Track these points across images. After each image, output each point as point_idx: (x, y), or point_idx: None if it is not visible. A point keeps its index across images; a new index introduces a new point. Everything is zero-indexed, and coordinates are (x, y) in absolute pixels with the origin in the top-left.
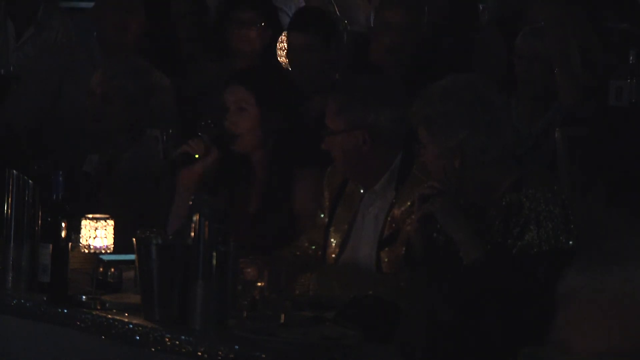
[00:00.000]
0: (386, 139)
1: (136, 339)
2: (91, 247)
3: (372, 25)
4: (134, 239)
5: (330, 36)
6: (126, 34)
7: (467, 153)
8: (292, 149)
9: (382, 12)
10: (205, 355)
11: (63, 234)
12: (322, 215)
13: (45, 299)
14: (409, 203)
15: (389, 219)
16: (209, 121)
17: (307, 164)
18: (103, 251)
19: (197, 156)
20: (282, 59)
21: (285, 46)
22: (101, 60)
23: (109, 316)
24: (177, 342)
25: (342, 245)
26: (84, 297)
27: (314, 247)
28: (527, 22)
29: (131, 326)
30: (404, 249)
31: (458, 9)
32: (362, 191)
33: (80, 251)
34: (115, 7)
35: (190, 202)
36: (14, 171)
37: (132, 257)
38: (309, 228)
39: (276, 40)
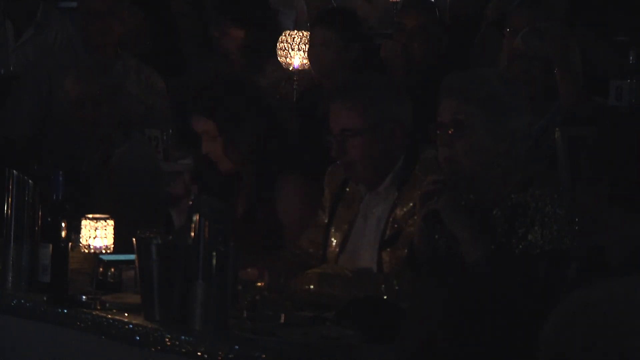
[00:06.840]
0: (409, 131)
1: (136, 339)
2: (91, 247)
3: (371, 25)
4: (134, 239)
5: (351, 35)
6: (109, 36)
7: (517, 139)
8: (277, 158)
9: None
10: (205, 355)
11: (63, 234)
12: (323, 215)
13: (45, 299)
14: (411, 204)
15: (390, 219)
16: None
17: (291, 169)
18: (103, 251)
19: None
20: (282, 59)
21: (285, 46)
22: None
23: (109, 316)
24: (177, 342)
25: (342, 245)
26: (84, 297)
27: (314, 247)
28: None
29: (131, 326)
30: (406, 250)
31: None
32: (362, 192)
33: (80, 251)
34: (97, 10)
35: (190, 202)
36: (14, 171)
37: (132, 257)
38: (310, 228)
39: (256, 43)
